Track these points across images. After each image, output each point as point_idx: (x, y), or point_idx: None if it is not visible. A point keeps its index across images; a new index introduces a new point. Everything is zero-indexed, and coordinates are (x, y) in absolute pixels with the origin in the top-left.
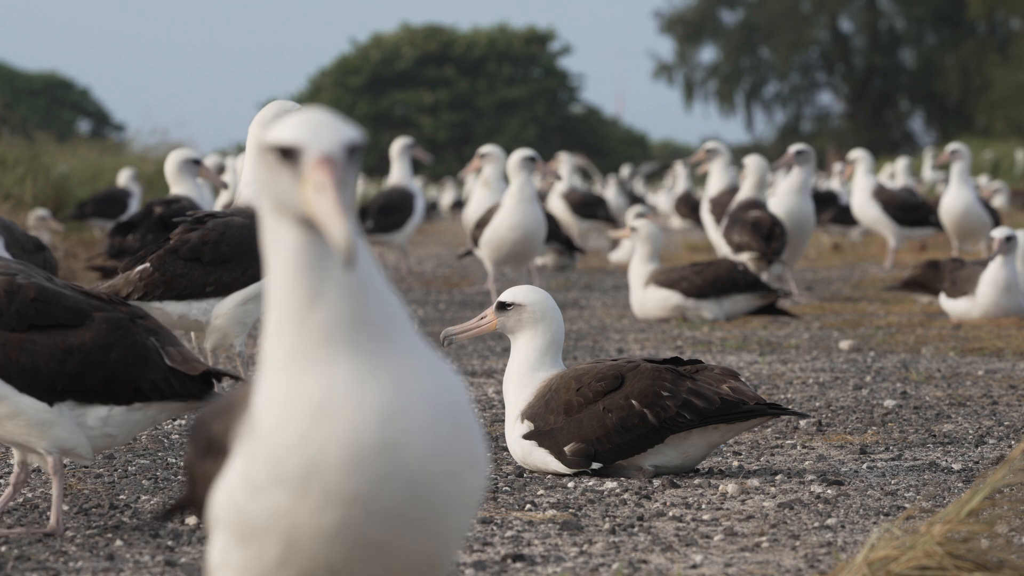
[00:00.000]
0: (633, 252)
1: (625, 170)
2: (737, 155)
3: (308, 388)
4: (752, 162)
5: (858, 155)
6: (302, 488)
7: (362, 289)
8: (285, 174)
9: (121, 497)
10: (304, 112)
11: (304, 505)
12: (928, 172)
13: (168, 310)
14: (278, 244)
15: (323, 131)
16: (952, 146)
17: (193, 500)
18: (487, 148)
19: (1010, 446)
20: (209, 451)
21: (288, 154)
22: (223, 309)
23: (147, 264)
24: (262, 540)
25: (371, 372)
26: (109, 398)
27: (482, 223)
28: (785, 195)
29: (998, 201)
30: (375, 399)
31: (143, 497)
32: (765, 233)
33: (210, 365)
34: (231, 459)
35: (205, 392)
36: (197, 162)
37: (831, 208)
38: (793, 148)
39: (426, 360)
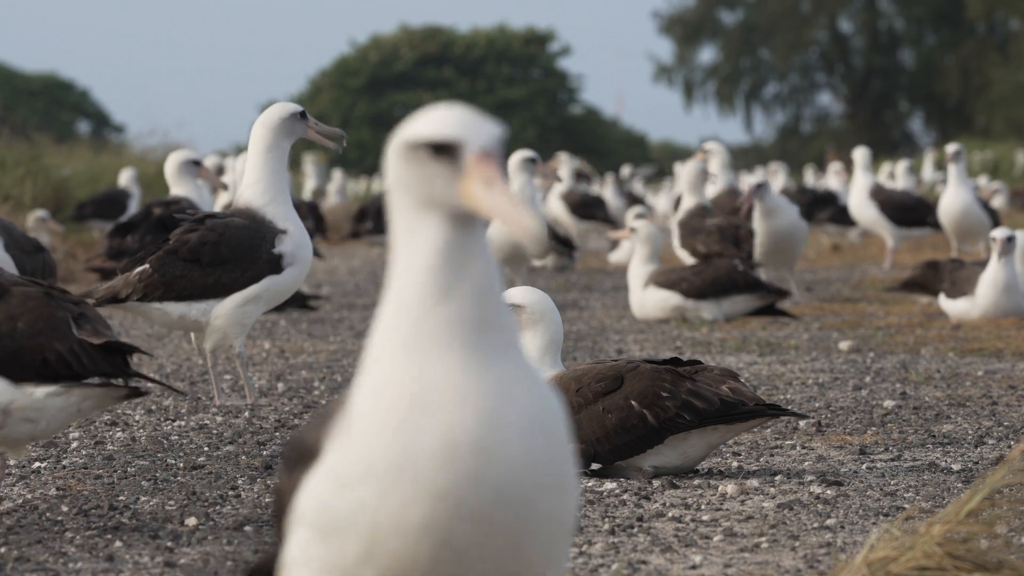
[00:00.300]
0: (632, 253)
1: (625, 171)
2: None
3: (412, 379)
4: (688, 168)
5: (856, 155)
6: (392, 480)
7: (490, 293)
8: (439, 169)
9: (120, 498)
10: (449, 108)
11: (392, 499)
12: (928, 173)
13: (168, 311)
14: (417, 237)
15: (480, 126)
16: (951, 146)
17: (277, 516)
18: None
19: (1009, 446)
20: (300, 460)
21: (444, 149)
22: (223, 310)
23: (146, 265)
24: (345, 536)
25: (479, 373)
26: (17, 370)
27: None
28: (768, 217)
29: (997, 201)
30: (478, 398)
31: (142, 498)
32: (733, 239)
33: (124, 342)
34: (321, 459)
35: (120, 370)
36: (197, 163)
37: (829, 208)
38: (752, 182)
39: (532, 375)
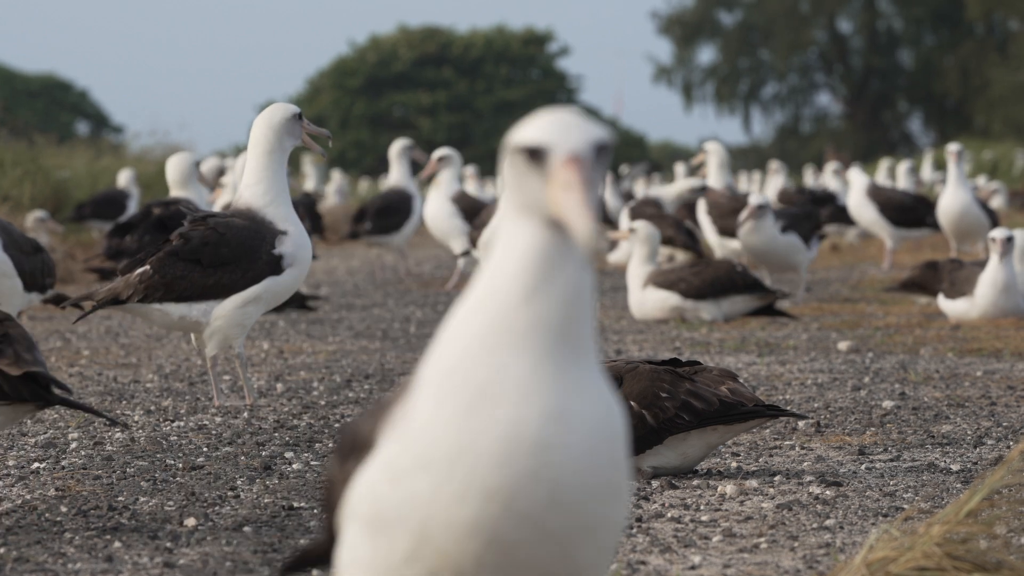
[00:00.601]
0: (631, 253)
1: (624, 170)
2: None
3: (481, 371)
4: (638, 167)
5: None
6: (446, 474)
7: (577, 301)
8: (533, 174)
9: (120, 499)
10: (552, 112)
11: (444, 493)
12: (927, 173)
13: (168, 312)
14: (514, 238)
15: (571, 131)
16: (953, 146)
17: (326, 509)
18: (444, 151)
19: (1008, 447)
20: (354, 451)
21: (536, 154)
22: (223, 311)
23: (147, 267)
24: (394, 532)
25: (550, 375)
26: None
27: (480, 224)
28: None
29: (996, 202)
30: (544, 398)
31: (141, 499)
32: (686, 230)
33: (45, 371)
34: (375, 451)
35: (41, 396)
36: (195, 164)
37: (828, 208)
38: (755, 202)
39: (601, 384)
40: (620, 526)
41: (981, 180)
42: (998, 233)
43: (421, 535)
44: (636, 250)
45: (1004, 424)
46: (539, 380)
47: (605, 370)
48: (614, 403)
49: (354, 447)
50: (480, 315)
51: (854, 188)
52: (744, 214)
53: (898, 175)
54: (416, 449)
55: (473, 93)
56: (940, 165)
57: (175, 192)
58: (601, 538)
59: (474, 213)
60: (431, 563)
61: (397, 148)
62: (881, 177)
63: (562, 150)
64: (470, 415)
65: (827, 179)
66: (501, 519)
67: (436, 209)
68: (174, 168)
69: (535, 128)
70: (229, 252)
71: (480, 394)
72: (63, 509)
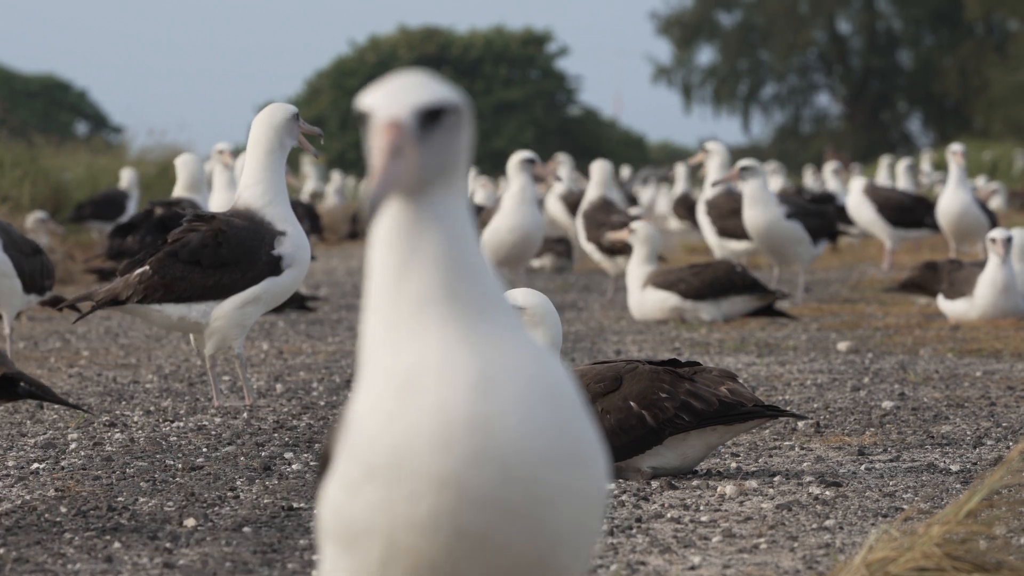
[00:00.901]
0: (631, 254)
1: (625, 172)
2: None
3: (396, 365)
4: (598, 165)
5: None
6: (394, 476)
7: (454, 262)
8: (368, 139)
9: (119, 499)
10: (399, 76)
11: (398, 494)
12: (927, 173)
13: (168, 312)
14: (379, 216)
15: (396, 95)
16: (955, 147)
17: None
18: None
19: (1008, 447)
20: (322, 472)
21: (365, 119)
22: (222, 311)
23: (146, 267)
24: (364, 542)
25: (460, 345)
26: None
27: (480, 224)
28: (750, 207)
29: (996, 202)
30: (464, 371)
31: (141, 499)
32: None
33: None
34: (332, 466)
35: (9, 393)
36: (203, 165)
37: (828, 208)
38: (740, 163)
39: (522, 339)
40: (594, 493)
41: (980, 180)
42: (997, 233)
43: (389, 540)
44: (635, 251)
45: (1004, 424)
46: (451, 355)
47: (605, 370)
48: (543, 356)
49: (322, 469)
50: (373, 305)
51: (853, 188)
52: (728, 173)
53: (897, 175)
54: (361, 457)
55: (472, 94)
56: (939, 165)
57: (182, 193)
58: (572, 509)
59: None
60: (406, 563)
61: None
62: (881, 176)
63: (383, 115)
64: (398, 410)
65: (827, 179)
66: (459, 507)
67: None
68: (184, 169)
69: (369, 92)
70: (229, 253)
71: (400, 387)
72: (63, 509)
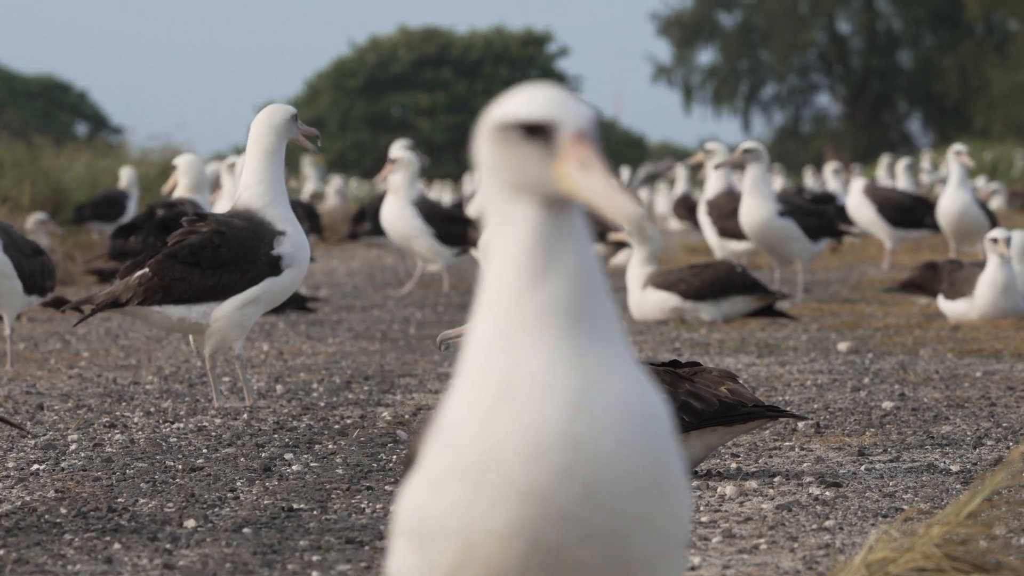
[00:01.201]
0: (631, 254)
1: (624, 173)
2: None
3: (501, 370)
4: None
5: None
6: (479, 480)
7: (585, 279)
8: (532, 152)
9: (119, 500)
10: (540, 87)
11: (480, 500)
12: (927, 173)
13: (167, 313)
14: (510, 223)
15: (573, 106)
16: (957, 147)
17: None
18: (399, 152)
19: (1008, 448)
20: (406, 470)
21: (536, 131)
22: (222, 312)
23: (146, 269)
24: (439, 543)
25: (571, 361)
26: None
27: (479, 224)
28: (748, 196)
29: (996, 202)
30: (567, 388)
31: (141, 500)
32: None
33: None
34: (418, 463)
35: None
36: (205, 166)
37: (827, 208)
38: (743, 145)
39: (629, 366)
40: (678, 521)
41: (980, 180)
42: (997, 234)
43: (465, 544)
44: (636, 251)
45: (1004, 425)
46: (559, 369)
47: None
48: (646, 385)
49: (406, 467)
50: (490, 310)
51: (853, 188)
52: (733, 154)
53: (897, 174)
54: (449, 457)
55: (472, 94)
56: (939, 165)
57: (184, 193)
58: (654, 535)
59: (434, 218)
60: (477, 571)
61: (397, 149)
62: (881, 174)
63: (571, 126)
64: (495, 416)
65: (827, 179)
66: (540, 521)
67: (396, 213)
68: (187, 169)
69: (533, 103)
70: (229, 253)
71: (502, 393)
72: (63, 511)
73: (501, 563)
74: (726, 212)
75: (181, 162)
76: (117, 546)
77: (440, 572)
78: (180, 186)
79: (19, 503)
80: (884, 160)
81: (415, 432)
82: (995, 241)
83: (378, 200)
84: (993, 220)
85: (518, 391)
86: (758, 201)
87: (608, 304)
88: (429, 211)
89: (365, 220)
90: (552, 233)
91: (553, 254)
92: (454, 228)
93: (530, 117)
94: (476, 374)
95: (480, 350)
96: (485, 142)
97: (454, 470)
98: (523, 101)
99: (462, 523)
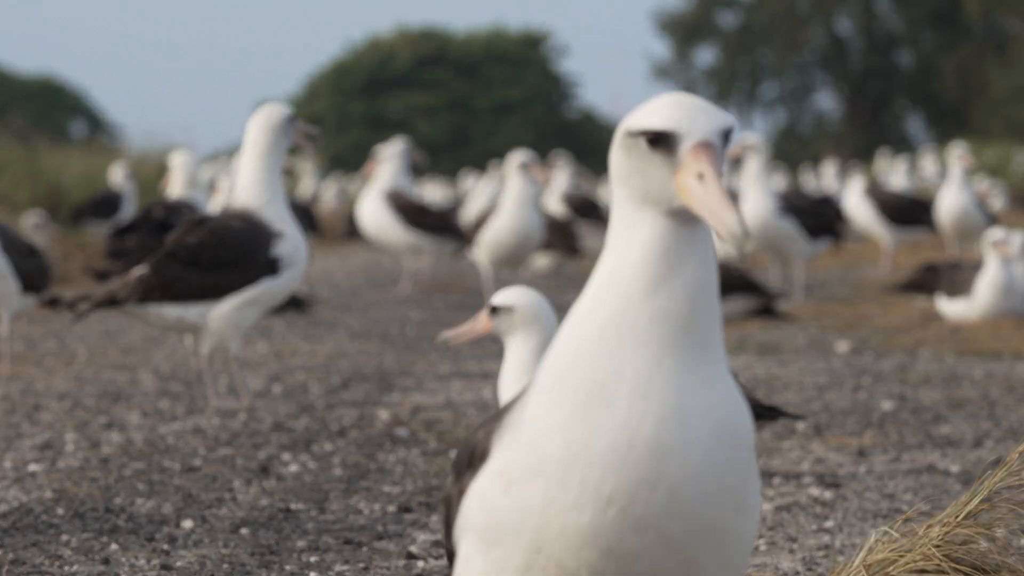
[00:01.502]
0: None
1: None
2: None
3: (596, 369)
4: (517, 157)
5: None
6: (560, 480)
7: (702, 294)
8: (656, 162)
9: (116, 500)
10: (674, 96)
11: (558, 500)
12: (926, 173)
13: (165, 313)
14: (632, 230)
15: (700, 115)
16: (958, 147)
17: (446, 527)
18: (388, 148)
19: (1008, 448)
20: (469, 463)
21: (661, 140)
22: (220, 312)
23: (144, 268)
24: (509, 542)
25: (669, 371)
26: None
27: (479, 224)
28: (745, 192)
29: (996, 203)
30: (661, 398)
31: (138, 500)
32: (562, 231)
33: None
34: (489, 458)
35: None
36: (199, 164)
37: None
38: (743, 138)
39: (726, 383)
40: (747, 539)
41: (985, 183)
42: (997, 234)
43: (535, 545)
44: None
45: (1003, 425)
46: (659, 377)
47: None
48: (739, 403)
49: (469, 459)
50: (599, 311)
51: (852, 188)
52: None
53: (896, 174)
54: (528, 455)
55: (471, 94)
56: (939, 165)
57: (179, 191)
58: (725, 550)
59: (411, 213)
60: (547, 572)
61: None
62: (880, 169)
63: (694, 136)
64: (584, 416)
65: (827, 180)
66: (618, 526)
67: (368, 206)
68: (180, 167)
69: (659, 112)
70: (227, 254)
71: (595, 394)
72: (60, 511)
73: (572, 567)
74: None
75: (175, 160)
76: (114, 546)
77: (507, 573)
78: (174, 183)
79: (16, 503)
80: (883, 153)
81: (482, 428)
82: (995, 241)
83: None
84: (993, 220)
85: (613, 393)
86: (757, 196)
87: (716, 320)
88: (402, 203)
89: None
90: (675, 244)
91: (673, 265)
92: (427, 219)
93: (654, 126)
94: (568, 372)
95: (575, 351)
96: (616, 148)
97: (533, 466)
98: (651, 109)
99: (534, 523)
